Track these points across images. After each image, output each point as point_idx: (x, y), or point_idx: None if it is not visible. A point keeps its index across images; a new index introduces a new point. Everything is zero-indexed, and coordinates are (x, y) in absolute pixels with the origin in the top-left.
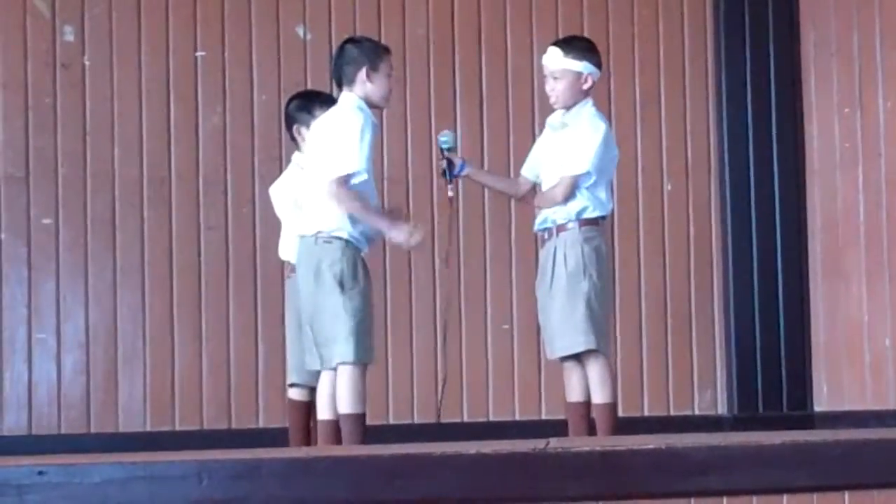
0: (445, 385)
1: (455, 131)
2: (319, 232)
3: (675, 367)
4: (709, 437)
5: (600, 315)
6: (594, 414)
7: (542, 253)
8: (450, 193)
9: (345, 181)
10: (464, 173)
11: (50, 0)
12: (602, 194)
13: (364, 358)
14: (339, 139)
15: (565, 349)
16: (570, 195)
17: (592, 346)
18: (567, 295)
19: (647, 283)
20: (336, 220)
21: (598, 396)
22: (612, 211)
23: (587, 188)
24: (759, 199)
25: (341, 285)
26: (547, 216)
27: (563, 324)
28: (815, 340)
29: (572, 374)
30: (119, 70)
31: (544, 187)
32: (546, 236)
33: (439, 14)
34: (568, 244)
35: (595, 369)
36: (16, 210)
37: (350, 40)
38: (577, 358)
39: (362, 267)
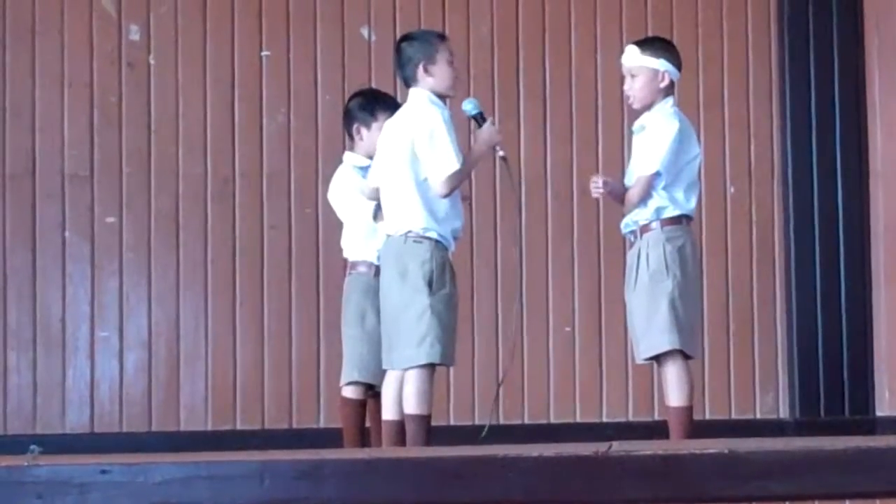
0: (501, 385)
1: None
2: (409, 231)
3: (737, 371)
4: (771, 442)
5: (685, 316)
6: (668, 416)
7: (628, 256)
8: (501, 153)
9: (451, 179)
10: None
11: None
12: (679, 194)
13: (443, 360)
14: (430, 141)
15: (649, 350)
16: (644, 196)
17: (676, 345)
18: (649, 295)
19: (709, 287)
20: (426, 220)
21: (673, 399)
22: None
23: (664, 188)
24: (822, 202)
25: (430, 285)
26: (629, 219)
27: (647, 325)
28: (877, 344)
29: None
30: (184, 69)
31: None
32: (632, 239)
33: (503, 13)
34: (651, 244)
35: (671, 370)
36: (80, 208)
37: (403, 38)
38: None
39: (450, 268)
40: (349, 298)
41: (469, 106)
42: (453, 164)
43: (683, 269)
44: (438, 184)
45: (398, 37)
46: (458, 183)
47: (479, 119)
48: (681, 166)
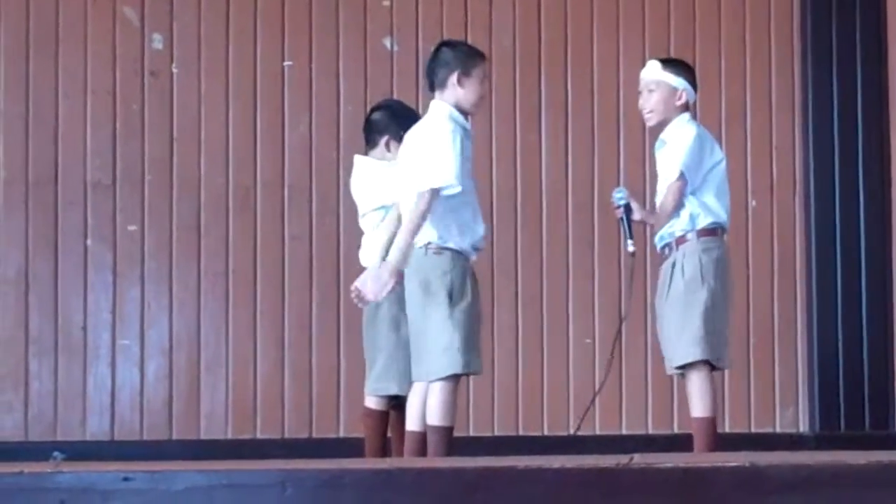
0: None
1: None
2: (429, 243)
3: (758, 384)
4: (792, 456)
5: (718, 326)
6: (692, 427)
7: (662, 267)
8: (631, 249)
9: (436, 193)
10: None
11: (139, 8)
12: (710, 199)
13: (466, 369)
14: (431, 150)
15: (680, 359)
16: (677, 203)
17: (705, 356)
18: (684, 304)
19: None
20: (445, 231)
21: (697, 409)
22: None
23: (693, 195)
24: (844, 216)
25: (450, 297)
26: (664, 232)
27: (679, 334)
28: None
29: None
30: (206, 78)
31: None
32: (667, 251)
33: (526, 25)
34: (686, 254)
35: (696, 381)
36: (102, 216)
37: (446, 43)
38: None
39: (471, 278)
40: (376, 308)
41: (619, 194)
42: (445, 177)
43: (718, 279)
44: (419, 191)
45: (421, 48)
46: (420, 214)
47: (625, 210)
48: (705, 170)
